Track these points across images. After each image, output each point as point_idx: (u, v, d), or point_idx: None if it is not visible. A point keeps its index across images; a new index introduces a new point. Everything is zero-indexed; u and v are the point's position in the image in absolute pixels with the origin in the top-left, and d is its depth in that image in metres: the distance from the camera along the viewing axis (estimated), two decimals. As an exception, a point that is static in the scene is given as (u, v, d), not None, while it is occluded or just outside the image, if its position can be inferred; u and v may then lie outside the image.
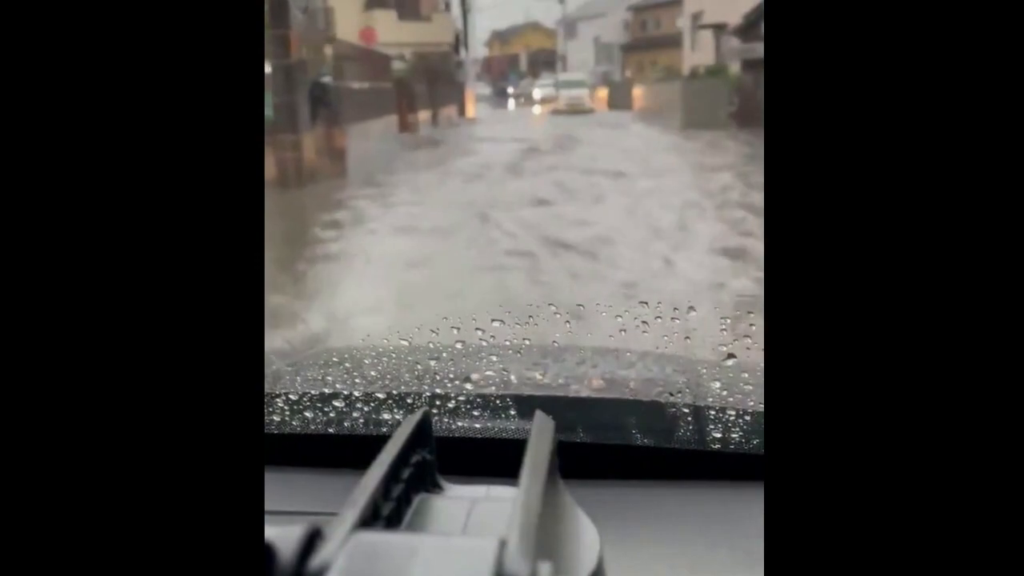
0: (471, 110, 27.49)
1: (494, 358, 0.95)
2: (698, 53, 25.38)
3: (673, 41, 31.25)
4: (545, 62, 54.55)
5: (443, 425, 0.75)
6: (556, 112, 27.16)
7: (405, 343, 1.04)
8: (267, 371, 0.96)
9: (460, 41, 29.68)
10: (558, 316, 1.02)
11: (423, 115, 20.83)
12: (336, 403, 0.80)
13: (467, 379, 0.84)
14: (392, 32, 25.29)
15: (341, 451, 0.67)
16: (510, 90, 39.51)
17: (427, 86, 21.80)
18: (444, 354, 0.98)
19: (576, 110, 27.05)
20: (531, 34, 63.84)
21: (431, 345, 1.02)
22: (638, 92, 27.56)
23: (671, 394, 0.80)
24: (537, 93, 34.91)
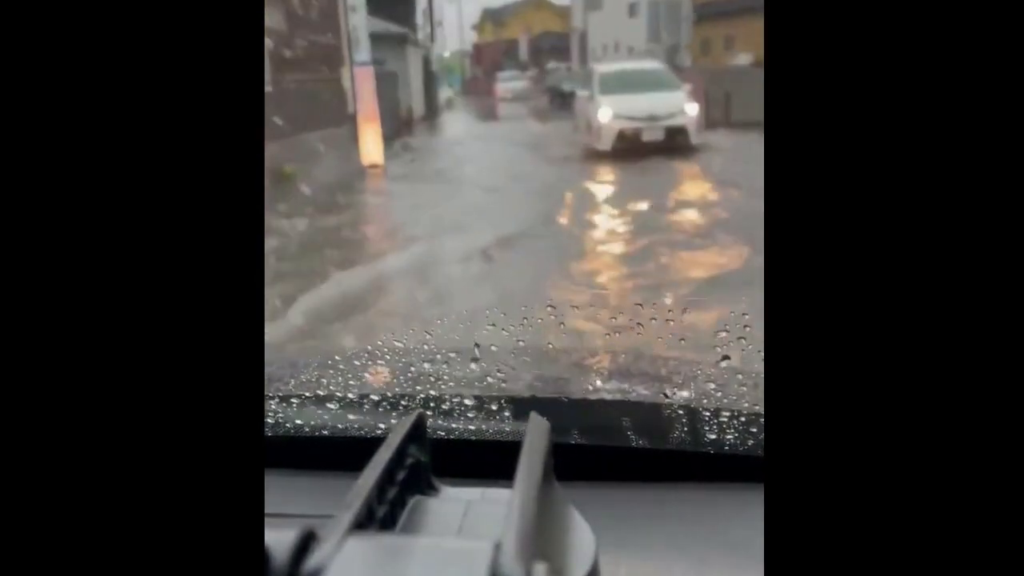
0: (373, 151, 11.86)
1: (488, 360, 0.95)
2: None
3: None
4: (552, 48, 42.06)
5: (438, 427, 0.75)
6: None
7: (400, 345, 1.05)
8: None
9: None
10: (553, 318, 1.02)
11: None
12: (330, 405, 0.80)
13: (461, 381, 0.85)
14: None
15: (335, 453, 0.66)
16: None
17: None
18: (438, 356, 0.98)
19: None
20: (533, 13, 50.83)
21: (426, 347, 1.03)
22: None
23: (666, 395, 0.81)
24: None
